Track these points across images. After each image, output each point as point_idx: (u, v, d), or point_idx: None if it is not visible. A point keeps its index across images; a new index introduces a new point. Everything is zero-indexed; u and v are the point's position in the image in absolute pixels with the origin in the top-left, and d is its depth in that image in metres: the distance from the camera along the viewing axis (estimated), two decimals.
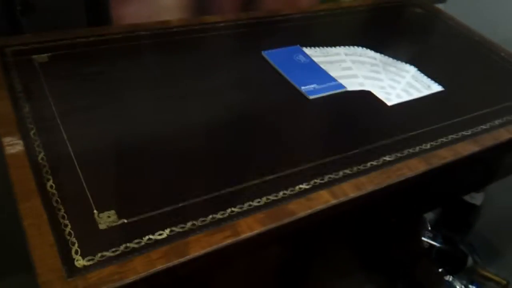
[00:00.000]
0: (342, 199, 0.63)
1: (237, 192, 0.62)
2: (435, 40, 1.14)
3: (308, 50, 0.95)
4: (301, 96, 0.83)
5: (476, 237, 1.67)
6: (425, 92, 0.88)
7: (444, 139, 0.77)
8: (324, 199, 0.63)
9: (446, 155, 0.74)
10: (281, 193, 0.62)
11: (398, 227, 1.04)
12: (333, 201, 0.63)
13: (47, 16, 0.93)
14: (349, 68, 0.92)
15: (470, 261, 1.56)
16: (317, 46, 0.97)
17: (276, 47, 0.94)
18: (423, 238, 1.54)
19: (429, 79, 0.92)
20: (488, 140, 0.79)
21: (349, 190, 0.65)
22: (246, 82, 0.85)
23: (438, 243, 1.55)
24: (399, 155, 0.72)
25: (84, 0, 0.97)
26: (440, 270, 1.55)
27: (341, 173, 0.67)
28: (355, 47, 0.99)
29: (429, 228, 1.63)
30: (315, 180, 0.65)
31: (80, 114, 0.70)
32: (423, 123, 0.80)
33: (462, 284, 1.55)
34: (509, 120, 0.85)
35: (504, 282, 1.54)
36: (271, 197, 0.62)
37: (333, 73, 0.89)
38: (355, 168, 0.68)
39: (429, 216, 1.69)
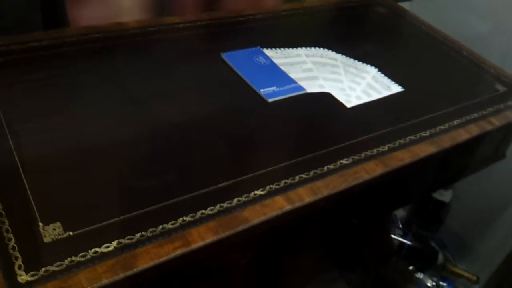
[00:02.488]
0: (297, 204, 0.63)
1: (189, 200, 0.60)
2: (398, 39, 1.14)
3: (269, 52, 0.94)
4: (260, 99, 0.81)
5: (446, 234, 1.68)
6: (385, 93, 0.88)
7: (402, 141, 0.77)
8: (279, 205, 0.62)
9: (403, 157, 0.74)
10: (235, 200, 0.61)
11: (365, 226, 1.04)
12: (288, 207, 0.62)
13: (2, 20, 0.90)
14: (310, 70, 0.91)
15: (440, 257, 1.58)
16: (279, 48, 0.96)
17: (237, 48, 0.92)
18: (393, 236, 1.54)
19: (389, 80, 0.92)
20: (446, 141, 0.79)
21: (305, 195, 0.64)
22: (203, 85, 0.83)
23: (408, 240, 1.56)
24: (356, 158, 0.72)
25: (40, 3, 0.94)
26: (411, 267, 1.56)
27: (297, 177, 0.67)
28: (317, 48, 0.98)
29: (400, 226, 1.64)
30: (271, 186, 0.64)
31: (28, 122, 0.67)
32: (382, 125, 0.80)
33: (433, 281, 1.57)
34: (468, 120, 0.85)
35: (474, 278, 1.56)
36: (225, 205, 0.61)
37: (293, 75, 0.88)
38: (311, 172, 0.68)
39: (400, 213, 1.70)
